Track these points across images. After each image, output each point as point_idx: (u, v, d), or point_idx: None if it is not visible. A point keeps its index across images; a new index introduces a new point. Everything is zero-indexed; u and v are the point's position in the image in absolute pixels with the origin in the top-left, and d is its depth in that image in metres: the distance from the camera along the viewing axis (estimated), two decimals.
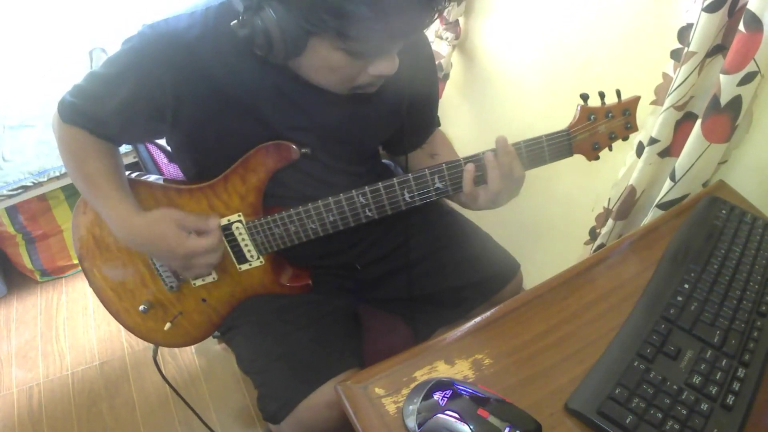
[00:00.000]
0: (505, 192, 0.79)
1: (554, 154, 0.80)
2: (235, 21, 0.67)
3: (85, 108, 0.81)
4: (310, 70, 0.73)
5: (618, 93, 0.79)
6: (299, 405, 0.83)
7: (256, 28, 0.65)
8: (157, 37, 0.75)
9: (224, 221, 0.87)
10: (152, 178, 0.93)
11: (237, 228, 0.88)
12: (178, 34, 0.74)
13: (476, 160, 0.78)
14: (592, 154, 0.82)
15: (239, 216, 0.87)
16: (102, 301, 0.99)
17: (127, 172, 0.92)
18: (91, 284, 0.98)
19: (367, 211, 0.83)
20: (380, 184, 0.81)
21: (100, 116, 0.81)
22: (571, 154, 0.81)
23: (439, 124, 1.04)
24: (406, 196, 0.81)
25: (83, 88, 0.82)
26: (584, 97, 0.78)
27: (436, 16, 0.67)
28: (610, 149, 0.83)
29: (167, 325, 0.96)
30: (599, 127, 0.79)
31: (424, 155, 1.02)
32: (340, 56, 0.67)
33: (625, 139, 0.83)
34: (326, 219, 0.84)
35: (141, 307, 0.95)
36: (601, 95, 0.78)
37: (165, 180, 0.94)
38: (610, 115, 0.79)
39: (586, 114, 0.79)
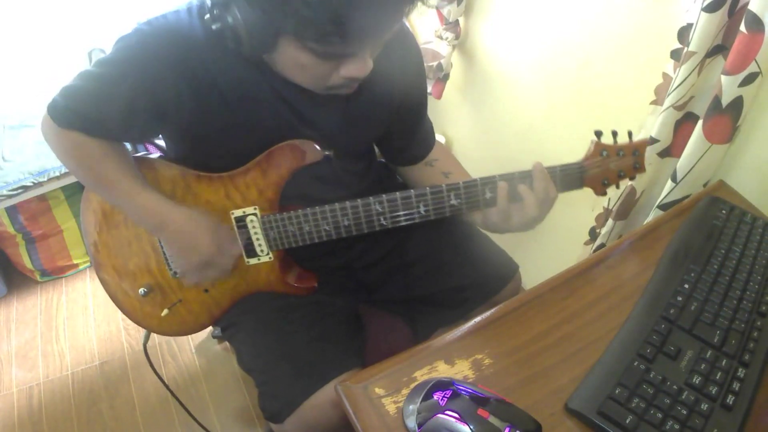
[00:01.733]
0: (539, 215, 0.79)
1: (566, 184, 0.82)
2: (207, 15, 0.68)
3: (82, 110, 0.79)
4: (284, 68, 0.72)
5: (630, 134, 0.81)
6: (303, 404, 0.83)
7: (225, 24, 0.66)
8: (157, 33, 0.75)
9: (239, 213, 0.88)
10: (156, 155, 0.93)
11: (251, 221, 0.88)
12: (181, 30, 0.74)
13: (509, 179, 0.79)
14: (601, 189, 0.83)
15: (255, 209, 0.87)
16: (102, 281, 0.98)
17: (138, 153, 0.92)
18: (93, 262, 0.97)
19: (382, 219, 0.83)
20: (397, 194, 0.81)
21: (99, 117, 0.79)
22: (581, 187, 0.83)
23: (434, 141, 1.05)
24: (422, 209, 0.81)
25: (79, 88, 0.79)
26: (598, 133, 0.80)
27: (400, 19, 0.66)
28: (618, 187, 0.84)
29: (164, 311, 0.95)
30: (610, 164, 0.81)
31: (436, 173, 1.02)
32: (307, 56, 0.67)
33: (632, 179, 0.85)
34: (341, 222, 0.85)
35: (141, 290, 0.94)
36: (614, 133, 0.80)
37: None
38: (621, 153, 0.81)
39: (599, 150, 0.81)
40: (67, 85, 0.80)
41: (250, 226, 0.88)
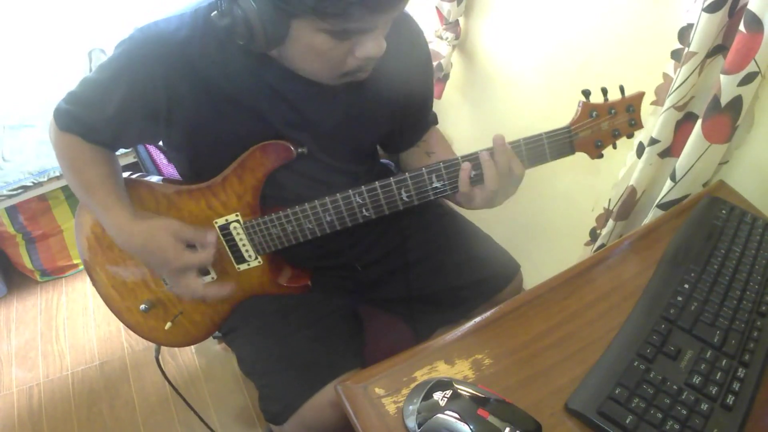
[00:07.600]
0: (502, 191, 0.78)
1: (555, 151, 0.79)
2: (215, 12, 0.67)
3: (79, 115, 0.82)
4: (297, 58, 0.72)
5: (621, 89, 0.77)
6: (303, 406, 0.83)
7: (236, 17, 0.65)
8: (146, 38, 0.76)
9: (222, 221, 0.87)
10: (154, 179, 0.93)
11: (235, 228, 0.88)
12: (168, 34, 0.75)
13: (473, 158, 0.77)
14: (595, 152, 0.80)
15: (237, 216, 0.87)
16: (104, 300, 0.99)
17: (127, 173, 0.92)
18: (93, 282, 0.98)
19: (364, 210, 0.82)
20: (377, 184, 0.80)
21: (94, 122, 0.81)
22: (573, 152, 0.80)
23: (436, 122, 1.04)
24: (404, 195, 0.80)
25: (77, 94, 0.82)
26: (586, 93, 0.77)
27: None
28: (615, 147, 0.81)
29: (168, 325, 0.95)
30: (602, 124, 0.78)
31: (420, 153, 1.02)
32: (323, 38, 0.66)
33: (630, 136, 0.80)
34: (323, 219, 0.84)
35: (142, 306, 0.95)
36: (604, 91, 0.77)
37: (164, 180, 0.94)
38: (613, 111, 0.77)
39: (588, 110, 0.77)
40: (71, 90, 0.83)
41: (234, 233, 0.88)
